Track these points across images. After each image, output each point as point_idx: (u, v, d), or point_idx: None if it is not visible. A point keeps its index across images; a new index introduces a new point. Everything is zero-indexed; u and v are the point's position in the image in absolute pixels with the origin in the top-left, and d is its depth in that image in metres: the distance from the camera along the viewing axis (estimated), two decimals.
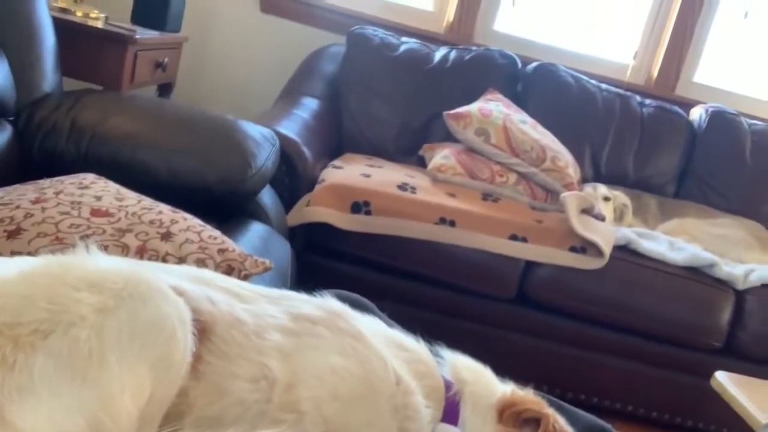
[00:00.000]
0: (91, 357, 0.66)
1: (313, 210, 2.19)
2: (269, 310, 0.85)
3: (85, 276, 0.72)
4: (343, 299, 1.11)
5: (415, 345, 0.93)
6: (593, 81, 3.00)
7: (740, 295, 2.34)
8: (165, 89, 2.84)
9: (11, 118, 1.77)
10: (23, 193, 1.33)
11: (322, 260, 2.27)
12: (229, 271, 1.34)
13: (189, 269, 0.94)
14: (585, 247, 2.26)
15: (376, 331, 0.90)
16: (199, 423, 0.71)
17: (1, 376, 0.62)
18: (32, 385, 0.62)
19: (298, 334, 0.83)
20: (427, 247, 2.24)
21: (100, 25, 2.26)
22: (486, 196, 2.42)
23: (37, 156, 1.74)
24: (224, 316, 0.81)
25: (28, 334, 0.65)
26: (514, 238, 2.26)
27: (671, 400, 2.40)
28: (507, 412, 0.87)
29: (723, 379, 1.61)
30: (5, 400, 0.61)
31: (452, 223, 2.24)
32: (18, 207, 1.26)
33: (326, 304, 0.90)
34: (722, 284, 2.34)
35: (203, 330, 0.78)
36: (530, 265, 2.28)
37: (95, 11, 2.32)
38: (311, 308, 0.88)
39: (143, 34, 2.34)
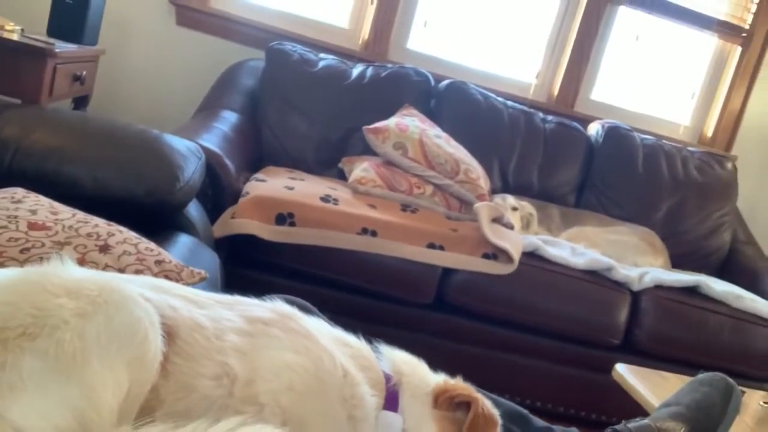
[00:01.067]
0: (75, 357, 0.71)
1: (239, 222, 2.23)
2: (225, 314, 0.92)
3: (62, 284, 0.77)
4: (290, 303, 1.19)
5: (357, 342, 1.02)
6: (500, 98, 3.19)
7: (636, 296, 2.57)
8: (81, 102, 2.80)
9: None
10: None
11: (248, 271, 2.32)
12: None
13: (147, 279, 1.00)
14: (496, 253, 2.41)
15: (322, 330, 0.98)
16: (169, 417, 0.78)
17: None
18: (22, 383, 0.67)
19: (254, 335, 0.90)
20: (350, 257, 2.32)
21: (15, 37, 2.22)
22: (405, 207, 2.53)
23: None
24: (185, 321, 0.87)
25: (16, 337, 0.70)
26: (432, 246, 2.38)
27: (576, 395, 2.59)
28: (441, 397, 0.97)
29: (623, 371, 1.78)
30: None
31: (374, 233, 2.33)
32: None
33: (276, 307, 0.98)
34: (619, 286, 2.56)
35: (168, 334, 0.84)
36: (447, 272, 2.41)
37: (11, 23, 2.28)
38: (263, 311, 0.95)
39: (62, 47, 2.32)
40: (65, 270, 0.82)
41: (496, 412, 1.00)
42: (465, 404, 0.97)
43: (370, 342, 1.04)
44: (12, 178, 1.64)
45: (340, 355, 0.94)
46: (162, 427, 0.71)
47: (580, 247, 2.69)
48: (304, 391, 0.88)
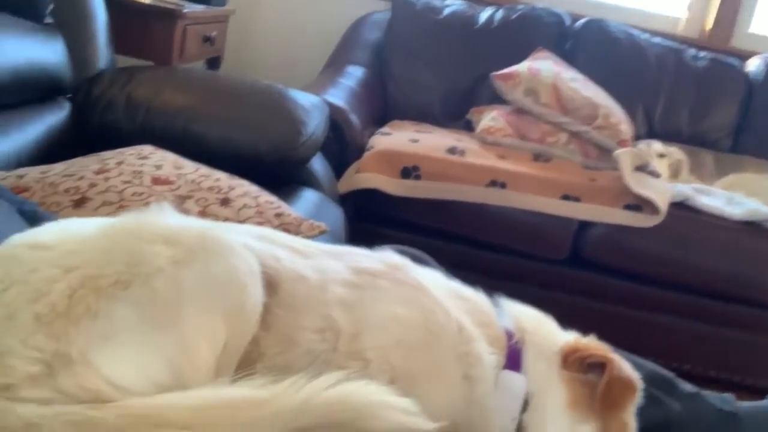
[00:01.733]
0: (169, 306, 0.68)
1: (364, 176, 2.21)
2: (331, 265, 0.87)
3: (159, 231, 0.74)
4: (402, 254, 1.13)
5: (475, 295, 0.93)
6: (644, 35, 2.92)
7: None
8: (213, 63, 2.87)
9: (69, 96, 1.83)
10: (86, 165, 1.37)
11: (373, 227, 2.29)
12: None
13: (253, 228, 0.97)
14: (640, 204, 2.22)
15: (435, 282, 0.91)
16: (270, 371, 0.74)
17: (86, 324, 0.65)
18: (114, 333, 0.65)
19: (360, 287, 0.85)
20: (478, 210, 2.23)
21: (148, 0, 2.29)
22: (537, 157, 2.40)
23: (95, 130, 1.79)
24: (288, 271, 0.83)
25: (109, 285, 0.67)
26: (566, 198, 2.24)
27: (731, 358, 2.36)
28: (572, 357, 0.87)
29: None
30: (91, 346, 0.63)
31: (503, 185, 2.22)
32: (82, 177, 1.31)
33: (386, 257, 0.92)
34: None
35: (270, 284, 0.80)
36: (584, 225, 2.26)
37: None
38: (372, 262, 0.89)
39: (191, 8, 2.37)
40: (163, 218, 0.79)
41: (635, 375, 0.89)
42: (599, 366, 0.87)
43: (490, 296, 0.95)
44: (143, 136, 1.70)
45: (454, 309, 0.86)
46: (261, 381, 0.67)
47: (738, 195, 2.42)
48: (414, 347, 0.82)
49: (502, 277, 2.29)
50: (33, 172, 1.33)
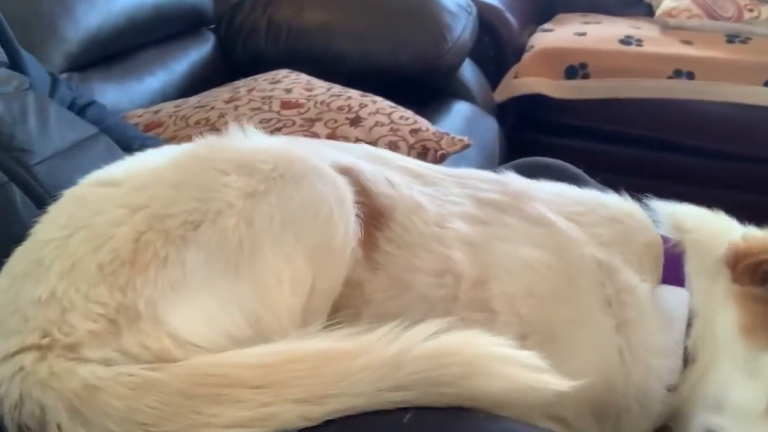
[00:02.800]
0: (242, 247, 0.59)
1: (523, 81, 2.02)
2: (454, 192, 0.75)
3: (234, 158, 0.65)
4: (546, 169, 0.97)
5: (610, 199, 0.78)
6: None
7: None
8: None
9: (212, 27, 1.82)
10: (218, 95, 1.35)
11: (539, 136, 2.10)
12: (424, 151, 1.25)
13: (366, 147, 0.86)
14: None
15: (562, 198, 0.76)
16: (379, 320, 0.64)
17: (154, 272, 0.57)
18: (185, 280, 0.57)
19: (485, 223, 0.72)
20: (661, 107, 1.97)
21: None
22: (732, 38, 2.05)
23: (241, 59, 1.78)
24: (404, 200, 0.71)
25: (178, 227, 0.59)
26: None
27: None
28: (741, 265, 0.68)
29: None
30: (159, 297, 0.56)
31: (690, 75, 1.94)
32: (212, 108, 1.28)
33: (509, 182, 0.77)
34: None
35: (382, 214, 0.70)
36: None
37: None
38: (494, 191, 0.75)
39: None
40: (242, 140, 0.69)
41: None
42: None
43: (638, 199, 0.78)
44: (286, 59, 1.65)
45: (584, 236, 0.71)
46: (349, 331, 0.56)
47: None
48: (548, 295, 0.68)
49: (694, 182, 2.01)
50: (168, 107, 1.32)
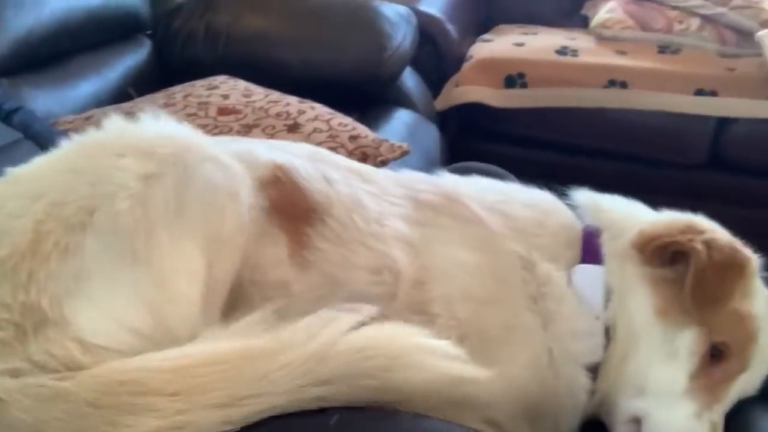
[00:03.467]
0: (138, 231, 0.58)
1: (463, 90, 2.04)
2: (393, 192, 0.75)
3: (133, 142, 0.64)
4: (478, 171, 0.98)
5: (527, 189, 0.81)
6: None
7: None
8: None
9: (149, 32, 1.79)
10: (153, 100, 1.33)
11: (479, 144, 2.13)
12: (363, 158, 1.25)
13: (308, 147, 0.84)
14: None
15: (482, 194, 0.77)
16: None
17: (56, 264, 0.56)
18: (86, 270, 0.56)
19: (423, 224, 0.72)
20: (595, 116, 2.02)
21: None
22: (663, 49, 2.12)
23: (178, 65, 1.75)
24: (342, 197, 0.71)
25: (75, 213, 0.58)
26: (701, 92, 1.97)
27: None
28: (649, 247, 0.70)
29: None
30: (63, 293, 0.55)
31: (623, 85, 1.99)
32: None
33: (441, 184, 0.78)
34: None
35: (313, 211, 0.69)
36: (723, 122, 1.97)
37: None
38: (430, 192, 0.76)
39: None
40: (147, 126, 0.67)
41: (740, 249, 0.71)
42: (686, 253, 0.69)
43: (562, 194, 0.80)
44: (225, 66, 1.62)
45: (508, 232, 0.72)
46: (261, 327, 0.55)
47: None
48: (484, 299, 0.69)
49: (628, 188, 2.05)
50: (100, 113, 1.29)
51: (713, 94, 1.95)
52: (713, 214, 2.06)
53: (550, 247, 0.72)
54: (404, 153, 1.30)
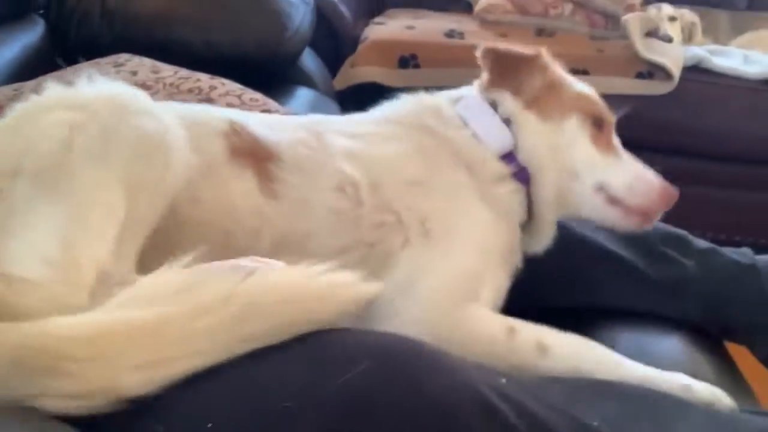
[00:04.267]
0: (60, 168, 0.61)
1: (359, 70, 2.12)
2: (319, 125, 0.84)
3: (69, 99, 0.67)
4: None
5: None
6: None
7: None
8: None
9: (41, 11, 1.74)
10: (60, 77, 1.31)
11: None
12: None
13: (232, 110, 0.91)
14: (652, 71, 2.11)
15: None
16: (283, 242, 0.70)
17: None
18: (13, 209, 0.60)
19: (353, 135, 0.80)
20: None
21: None
22: (540, 32, 2.30)
23: (74, 45, 1.71)
24: (285, 138, 0.78)
25: (8, 161, 0.62)
26: (574, 71, 2.04)
27: (756, 221, 2.30)
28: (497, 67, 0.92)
29: None
30: None
31: None
32: None
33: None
34: None
35: (271, 153, 0.75)
36: None
37: None
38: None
39: None
40: (85, 87, 0.70)
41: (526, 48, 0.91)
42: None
43: None
44: (124, 46, 1.61)
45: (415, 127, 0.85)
46: (180, 285, 0.56)
47: (755, 53, 2.29)
48: (424, 180, 0.79)
49: None
50: (6, 90, 1.27)
51: (585, 72, 2.12)
52: None
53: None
54: None
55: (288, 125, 0.83)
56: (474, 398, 0.52)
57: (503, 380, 0.57)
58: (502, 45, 0.94)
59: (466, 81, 2.18)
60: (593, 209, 0.85)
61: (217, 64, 1.61)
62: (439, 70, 2.12)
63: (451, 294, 0.72)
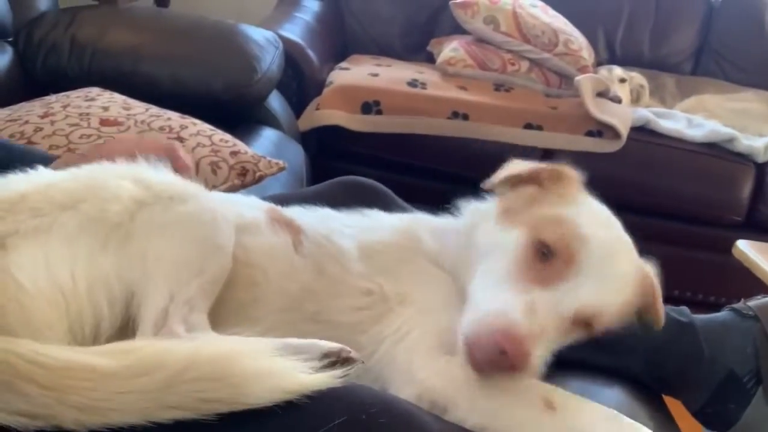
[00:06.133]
0: (118, 229, 0.65)
1: (324, 113, 2.17)
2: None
3: (136, 173, 0.71)
4: (355, 187, 1.12)
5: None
6: None
7: (761, 168, 2.30)
8: (161, 2, 2.76)
9: (10, 39, 1.75)
10: (30, 109, 1.32)
11: (338, 163, 2.25)
12: (243, 173, 1.34)
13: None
14: (601, 130, 2.22)
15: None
16: (309, 288, 0.75)
17: (26, 217, 0.63)
18: (49, 230, 0.62)
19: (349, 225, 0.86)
20: (441, 143, 2.21)
21: None
22: (498, 87, 2.38)
23: (41, 75, 1.72)
24: (307, 221, 0.83)
25: (62, 197, 0.65)
26: (529, 126, 2.23)
27: (694, 277, 2.41)
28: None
29: (744, 247, 1.60)
30: (15, 230, 0.62)
31: (465, 117, 2.21)
32: (27, 122, 1.26)
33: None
34: (742, 158, 2.29)
35: (299, 229, 0.80)
36: (547, 153, 2.25)
37: None
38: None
39: None
40: (148, 170, 0.74)
41: (565, 167, 0.83)
42: None
43: None
44: (91, 79, 1.63)
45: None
46: (132, 345, 0.59)
47: (698, 117, 2.44)
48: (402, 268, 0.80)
49: None
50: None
51: (539, 128, 2.23)
52: None
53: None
54: (281, 169, 1.40)
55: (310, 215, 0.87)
56: None
57: None
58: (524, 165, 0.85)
59: (424, 129, 2.25)
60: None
61: (183, 101, 1.64)
62: (401, 118, 2.19)
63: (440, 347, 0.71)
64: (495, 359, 0.62)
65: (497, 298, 0.68)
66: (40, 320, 0.59)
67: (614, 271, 0.73)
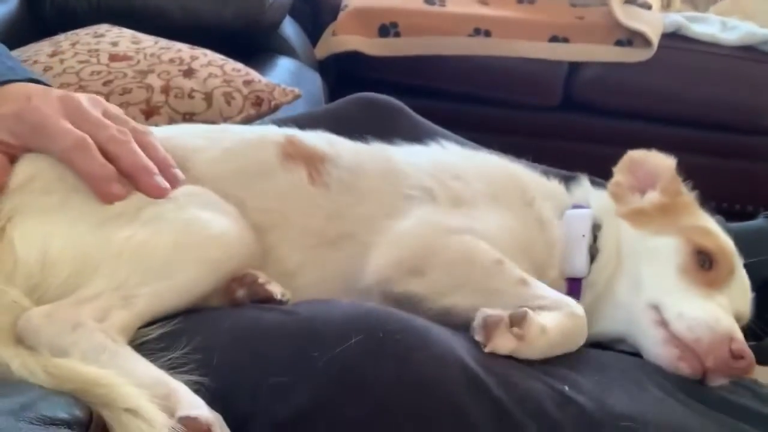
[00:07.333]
0: (120, 214, 0.64)
1: (340, 39, 2.11)
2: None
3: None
4: (370, 105, 1.09)
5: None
6: None
7: None
8: None
9: None
10: (39, 49, 1.30)
11: (358, 91, 2.19)
12: (258, 102, 1.31)
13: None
14: (631, 39, 2.13)
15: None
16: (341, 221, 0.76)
17: (34, 195, 0.64)
18: (54, 209, 0.63)
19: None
20: (463, 63, 2.15)
21: None
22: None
23: (50, 15, 1.68)
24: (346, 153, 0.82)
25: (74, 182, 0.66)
26: (554, 39, 2.15)
27: (728, 187, 2.33)
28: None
29: None
30: (21, 209, 0.62)
31: (487, 33, 2.13)
32: (36, 62, 1.24)
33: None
34: None
35: (326, 157, 0.80)
36: (574, 67, 2.18)
37: None
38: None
39: None
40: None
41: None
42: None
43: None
44: (101, 15, 1.59)
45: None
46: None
47: (733, 20, 2.31)
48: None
49: (494, 130, 2.23)
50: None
51: (566, 40, 2.14)
52: (566, 151, 2.28)
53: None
54: (296, 97, 1.36)
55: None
56: (460, 371, 0.56)
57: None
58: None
59: (444, 49, 2.18)
60: (636, 325, 0.74)
61: (196, 33, 1.60)
62: (419, 39, 2.12)
63: (453, 226, 0.74)
64: (730, 365, 0.68)
65: (701, 306, 0.72)
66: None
67: (748, 282, 0.80)
